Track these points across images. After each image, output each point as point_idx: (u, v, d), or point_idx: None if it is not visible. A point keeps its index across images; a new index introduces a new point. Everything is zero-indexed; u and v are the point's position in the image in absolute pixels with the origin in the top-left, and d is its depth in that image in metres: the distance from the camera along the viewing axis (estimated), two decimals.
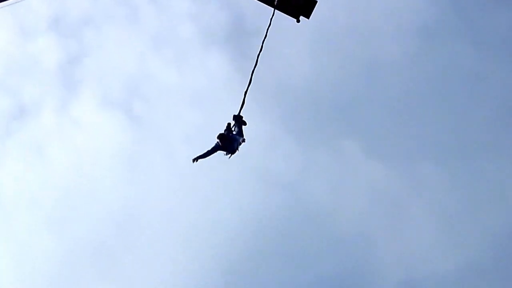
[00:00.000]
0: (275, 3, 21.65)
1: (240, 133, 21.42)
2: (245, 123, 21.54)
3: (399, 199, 40.87)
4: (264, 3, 21.97)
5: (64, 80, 43.59)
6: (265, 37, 21.66)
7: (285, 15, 21.89)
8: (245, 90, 21.45)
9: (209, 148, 20.92)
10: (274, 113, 40.26)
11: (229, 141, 20.99)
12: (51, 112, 42.85)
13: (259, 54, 21.58)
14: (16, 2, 21.06)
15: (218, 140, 21.02)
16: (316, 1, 21.58)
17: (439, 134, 41.94)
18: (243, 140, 20.82)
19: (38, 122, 42.75)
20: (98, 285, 39.97)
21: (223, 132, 21.14)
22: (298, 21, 22.05)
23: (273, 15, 21.80)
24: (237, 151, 20.98)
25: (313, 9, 21.70)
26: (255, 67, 21.52)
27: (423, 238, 39.72)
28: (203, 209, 40.64)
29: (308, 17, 21.88)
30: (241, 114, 21.55)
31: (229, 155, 21.05)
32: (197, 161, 20.96)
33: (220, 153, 21.29)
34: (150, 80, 42.87)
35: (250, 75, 21.44)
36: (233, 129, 21.54)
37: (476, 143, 41.74)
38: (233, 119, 21.61)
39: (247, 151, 40.92)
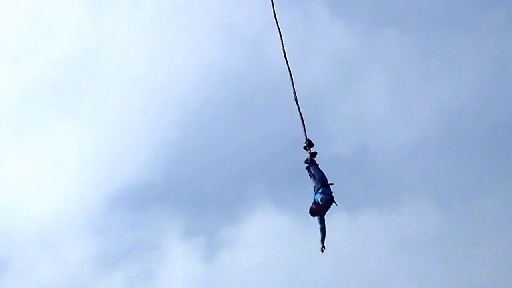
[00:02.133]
0: None
1: (316, 171, 18.97)
2: (315, 154, 19.15)
3: (359, 64, 40.99)
4: None
5: None
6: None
7: None
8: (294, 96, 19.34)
9: (319, 225, 18.88)
10: None
11: (322, 206, 18.69)
12: None
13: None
14: None
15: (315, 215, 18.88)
16: None
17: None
18: (323, 198, 18.45)
19: None
20: (56, 121, 40.14)
21: (311, 206, 18.72)
22: None
23: None
24: (332, 194, 18.71)
25: None
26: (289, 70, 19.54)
27: (378, 106, 40.12)
28: (163, 56, 40.50)
29: None
30: (307, 138, 19.17)
31: (334, 203, 18.81)
32: (324, 247, 18.90)
33: None
34: None
35: (290, 77, 19.47)
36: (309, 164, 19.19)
37: (440, 16, 41.77)
38: (306, 149, 19.19)
39: (213, 3, 40.48)
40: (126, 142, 39.79)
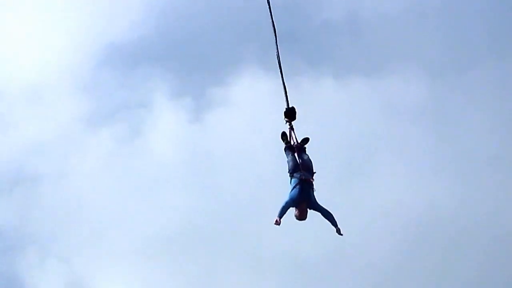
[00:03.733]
0: None
1: (289, 157, 16.17)
2: (284, 136, 16.26)
3: None
4: None
5: None
6: None
7: None
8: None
9: (321, 214, 15.87)
10: None
11: (300, 205, 15.69)
12: None
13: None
14: None
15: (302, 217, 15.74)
16: None
17: None
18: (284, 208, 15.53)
19: None
20: None
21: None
22: None
23: None
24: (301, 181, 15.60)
25: None
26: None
27: None
28: None
29: None
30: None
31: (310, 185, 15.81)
32: (340, 229, 15.93)
33: None
34: None
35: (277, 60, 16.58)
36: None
37: None
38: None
39: None
40: None
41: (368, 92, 37.18)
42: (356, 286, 32.55)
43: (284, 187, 35.26)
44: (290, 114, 16.18)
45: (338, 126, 36.24)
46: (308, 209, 15.74)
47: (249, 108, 37.24)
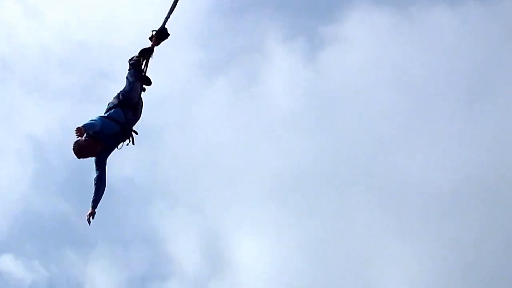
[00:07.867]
0: None
1: (132, 79, 13.08)
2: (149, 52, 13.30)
3: None
4: None
5: None
6: None
7: None
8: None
9: (96, 173, 12.59)
10: None
11: (95, 143, 12.39)
12: None
13: None
14: None
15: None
16: None
17: None
18: (92, 127, 12.25)
19: None
20: None
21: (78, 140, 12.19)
22: None
23: None
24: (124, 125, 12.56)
25: None
26: None
27: None
28: None
29: None
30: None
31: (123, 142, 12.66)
32: (93, 214, 12.36)
33: None
34: None
35: None
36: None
37: None
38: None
39: None
40: None
41: (485, 17, 36.33)
42: (487, 215, 32.25)
43: (403, 120, 35.24)
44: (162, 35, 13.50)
45: (455, 53, 35.70)
46: (90, 154, 12.45)
47: (363, 43, 36.95)
